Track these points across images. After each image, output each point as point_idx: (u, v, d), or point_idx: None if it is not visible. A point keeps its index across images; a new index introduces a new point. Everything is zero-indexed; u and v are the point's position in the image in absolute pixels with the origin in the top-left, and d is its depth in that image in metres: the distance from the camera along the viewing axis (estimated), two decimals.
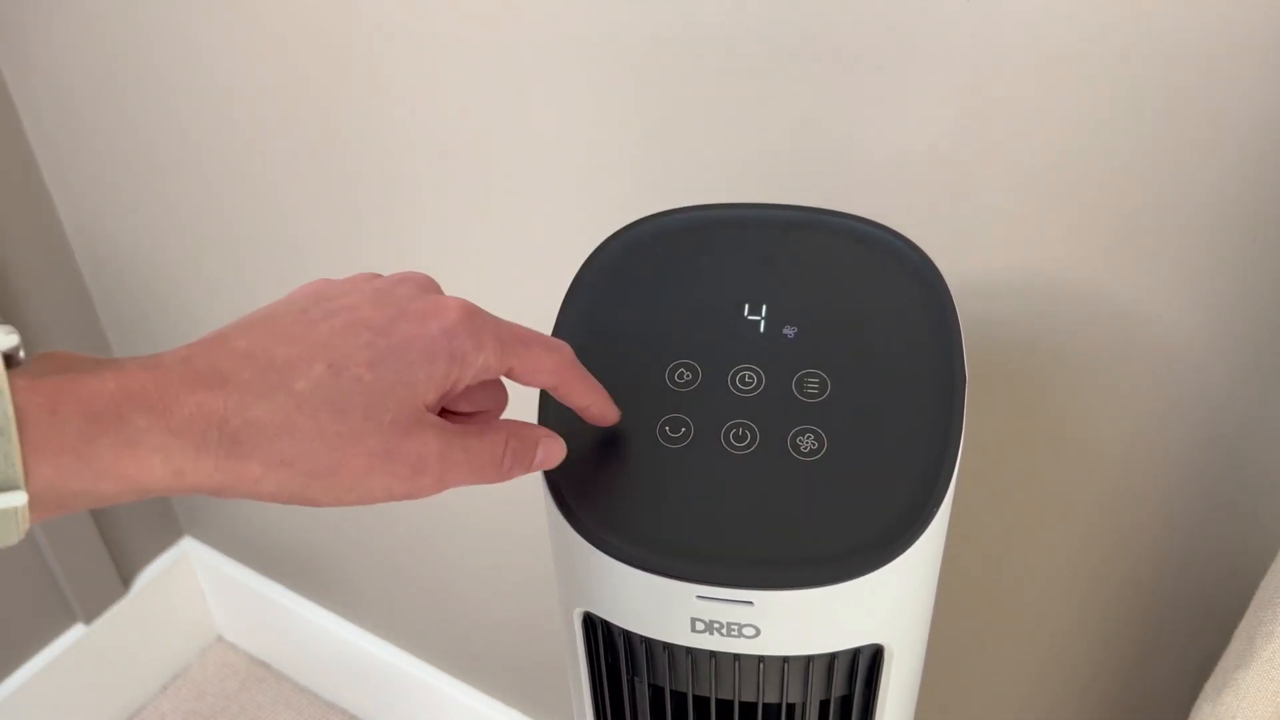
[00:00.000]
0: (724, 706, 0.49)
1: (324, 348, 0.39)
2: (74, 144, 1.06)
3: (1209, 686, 0.58)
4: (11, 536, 0.34)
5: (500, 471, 0.43)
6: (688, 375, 0.48)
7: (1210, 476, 0.64)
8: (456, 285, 0.91)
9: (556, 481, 0.46)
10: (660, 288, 0.51)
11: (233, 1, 0.84)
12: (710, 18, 0.63)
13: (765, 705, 0.48)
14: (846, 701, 0.50)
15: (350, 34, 0.79)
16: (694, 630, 0.45)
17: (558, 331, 0.51)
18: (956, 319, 0.49)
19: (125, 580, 1.35)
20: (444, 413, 0.44)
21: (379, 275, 0.45)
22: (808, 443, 0.46)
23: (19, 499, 0.33)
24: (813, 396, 0.47)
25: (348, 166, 0.87)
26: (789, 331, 0.49)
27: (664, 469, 0.46)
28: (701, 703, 0.49)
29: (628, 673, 0.50)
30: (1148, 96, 0.54)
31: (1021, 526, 0.72)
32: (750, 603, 0.43)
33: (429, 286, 0.44)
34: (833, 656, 0.47)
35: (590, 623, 0.49)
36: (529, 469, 0.44)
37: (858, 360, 0.48)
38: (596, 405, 0.46)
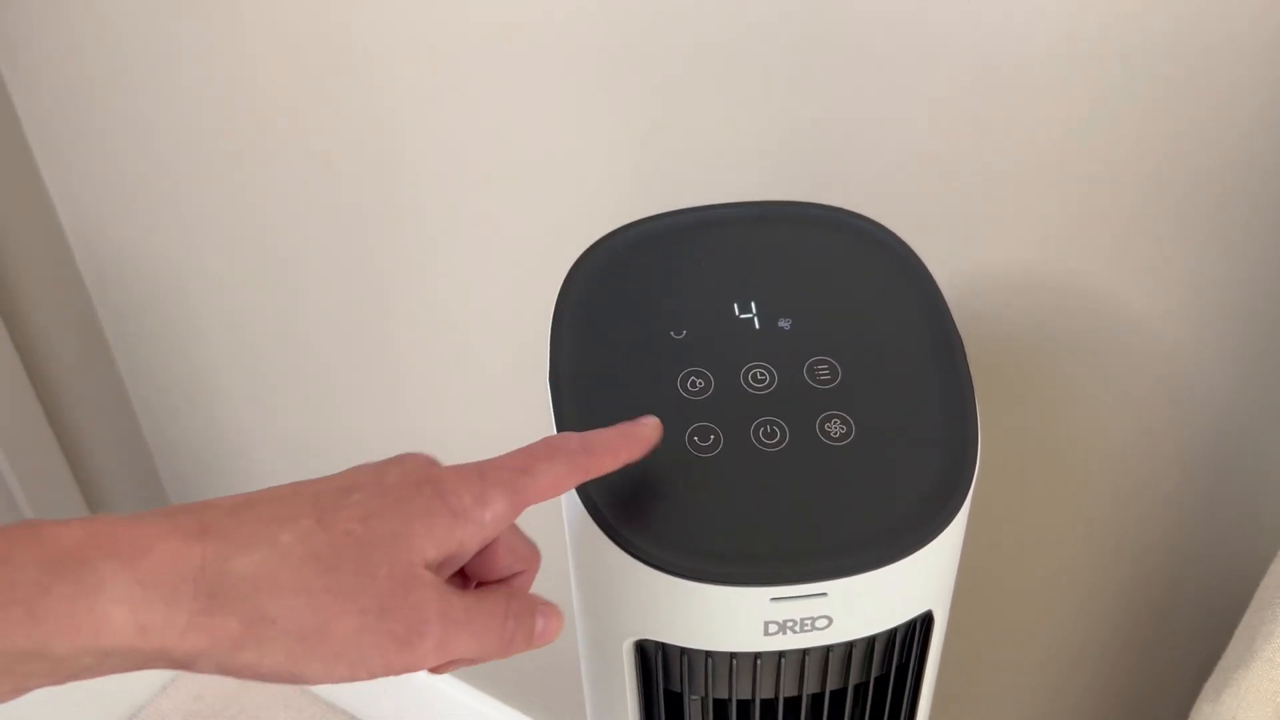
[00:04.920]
0: (791, 704, 0.49)
1: (313, 504, 0.36)
2: (74, 144, 1.06)
3: (1209, 686, 0.58)
4: None
5: (504, 636, 0.39)
6: (700, 383, 0.48)
7: (1210, 476, 0.65)
8: (460, 284, 0.91)
9: (601, 512, 0.44)
10: (645, 300, 0.51)
11: (232, 2, 0.84)
12: (712, 17, 0.63)
13: (818, 695, 0.49)
14: (883, 678, 0.50)
15: (349, 35, 0.79)
16: (766, 634, 0.45)
17: (553, 364, 0.49)
18: (936, 286, 0.51)
19: None
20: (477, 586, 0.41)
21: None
22: (836, 428, 0.46)
23: None
24: (826, 383, 0.48)
25: (349, 166, 0.87)
26: (784, 324, 0.50)
27: (703, 479, 0.45)
28: (766, 705, 0.49)
29: (686, 691, 0.49)
30: (1147, 95, 0.55)
31: (1021, 526, 0.73)
32: (825, 594, 0.43)
33: (426, 461, 0.40)
34: (894, 631, 0.47)
35: (639, 650, 0.48)
36: (530, 641, 0.40)
37: (857, 341, 0.49)
38: (630, 455, 0.43)
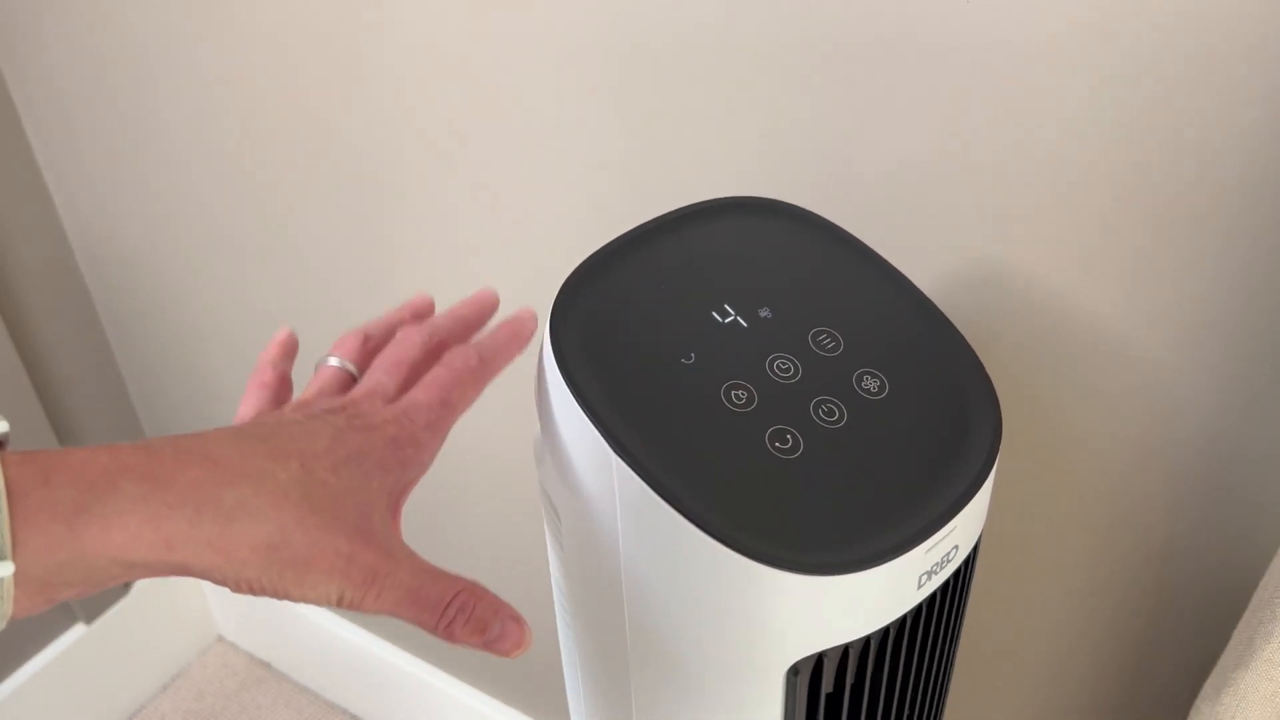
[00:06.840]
0: (932, 648, 0.50)
1: (294, 445, 0.41)
2: (74, 144, 1.06)
3: (1208, 686, 0.58)
4: None
5: (438, 621, 0.42)
6: (743, 395, 0.47)
7: (1209, 476, 0.65)
8: (460, 287, 0.91)
9: (748, 543, 0.43)
10: (633, 344, 0.49)
11: (231, 1, 0.84)
12: (712, 17, 0.63)
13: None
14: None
15: (349, 34, 0.79)
16: (919, 586, 0.46)
17: (611, 440, 0.46)
18: (868, 246, 0.53)
19: None
20: None
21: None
22: (872, 383, 0.48)
23: (5, 569, 0.33)
24: (837, 350, 0.49)
25: (347, 165, 0.87)
26: (765, 313, 0.50)
27: (804, 477, 0.45)
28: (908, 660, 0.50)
29: (848, 685, 0.49)
30: (1133, 99, 0.55)
31: (1018, 527, 0.72)
32: (955, 527, 0.45)
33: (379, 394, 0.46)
34: (978, 541, 0.50)
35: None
36: (479, 640, 0.43)
37: (836, 305, 0.51)
38: (519, 348, 0.49)
